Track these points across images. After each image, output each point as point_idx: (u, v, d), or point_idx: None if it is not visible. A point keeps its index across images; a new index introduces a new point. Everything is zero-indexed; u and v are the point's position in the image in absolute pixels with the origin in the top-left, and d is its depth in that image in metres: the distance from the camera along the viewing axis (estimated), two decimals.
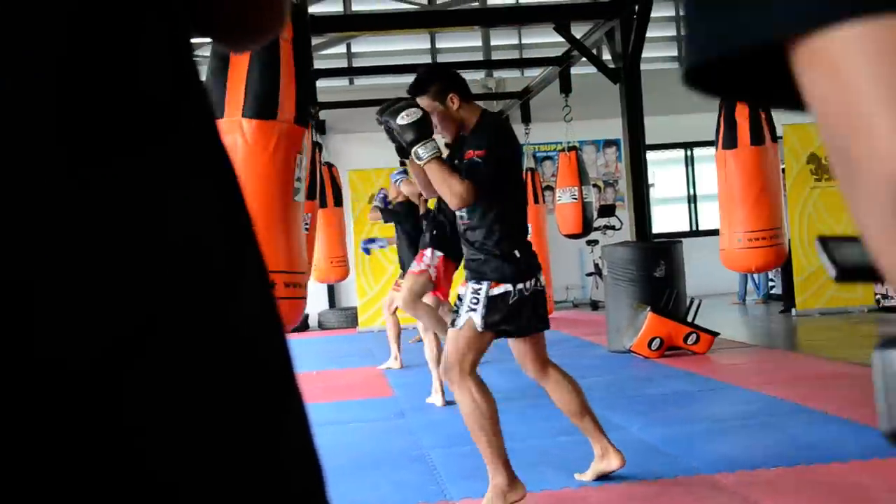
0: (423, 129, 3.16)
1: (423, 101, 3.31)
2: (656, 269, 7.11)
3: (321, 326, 12.18)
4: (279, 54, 3.34)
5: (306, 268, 3.55)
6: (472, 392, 3.20)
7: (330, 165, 10.41)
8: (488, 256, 3.25)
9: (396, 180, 6.54)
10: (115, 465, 0.39)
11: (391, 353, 7.57)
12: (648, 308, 6.91)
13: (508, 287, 3.21)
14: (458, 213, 3.36)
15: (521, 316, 3.25)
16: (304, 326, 11.85)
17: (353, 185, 11.36)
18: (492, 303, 3.21)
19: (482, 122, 3.33)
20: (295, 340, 8.72)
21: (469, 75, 14.24)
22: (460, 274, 4.89)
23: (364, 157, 11.94)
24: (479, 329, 3.21)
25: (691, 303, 7.10)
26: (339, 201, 10.38)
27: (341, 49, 13.14)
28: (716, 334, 7.04)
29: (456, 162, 3.35)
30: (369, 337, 10.35)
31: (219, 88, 3.33)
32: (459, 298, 3.29)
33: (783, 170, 8.99)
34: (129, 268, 0.41)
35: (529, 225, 3.67)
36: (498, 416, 3.24)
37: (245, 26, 0.59)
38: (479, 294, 3.22)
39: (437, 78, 3.37)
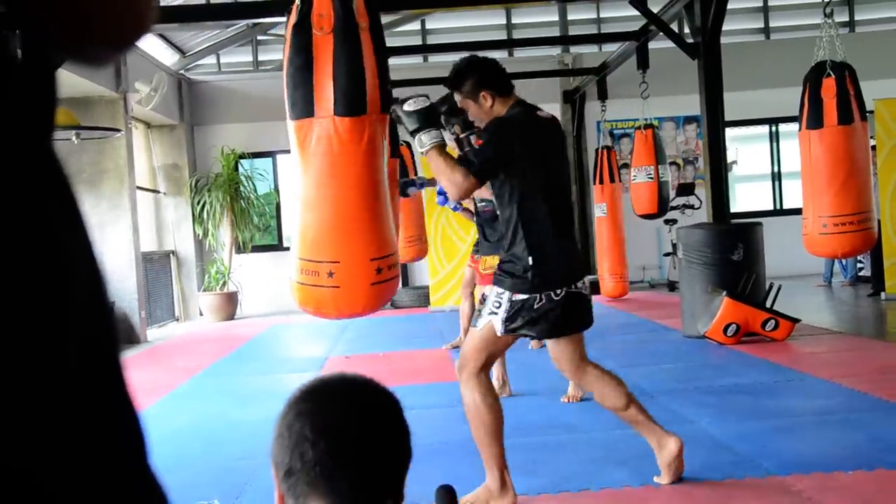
0: (427, 118, 3.12)
1: (457, 96, 3.31)
2: (734, 252, 6.83)
3: (394, 305, 12.18)
4: (361, 46, 3.29)
5: (397, 246, 3.64)
6: (475, 395, 3.19)
7: (409, 144, 10.27)
8: (510, 264, 3.17)
9: None
10: None
11: (461, 331, 7.45)
12: (724, 293, 6.65)
13: (534, 293, 3.11)
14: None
15: (547, 321, 3.15)
16: None
17: (424, 165, 11.26)
18: (514, 308, 3.13)
19: (502, 115, 3.23)
20: (370, 319, 8.72)
21: (545, 51, 13.98)
22: None
23: None
24: (499, 333, 3.15)
25: (770, 287, 6.81)
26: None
27: (415, 26, 13.03)
28: (796, 321, 6.74)
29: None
30: (440, 317, 10.29)
31: (305, 86, 3.33)
32: (483, 298, 3.24)
33: (873, 147, 8.54)
34: None
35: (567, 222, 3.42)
36: (501, 422, 3.21)
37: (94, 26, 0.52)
38: (501, 298, 3.15)
39: (471, 73, 3.27)
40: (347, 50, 3.27)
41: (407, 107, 3.12)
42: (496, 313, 3.14)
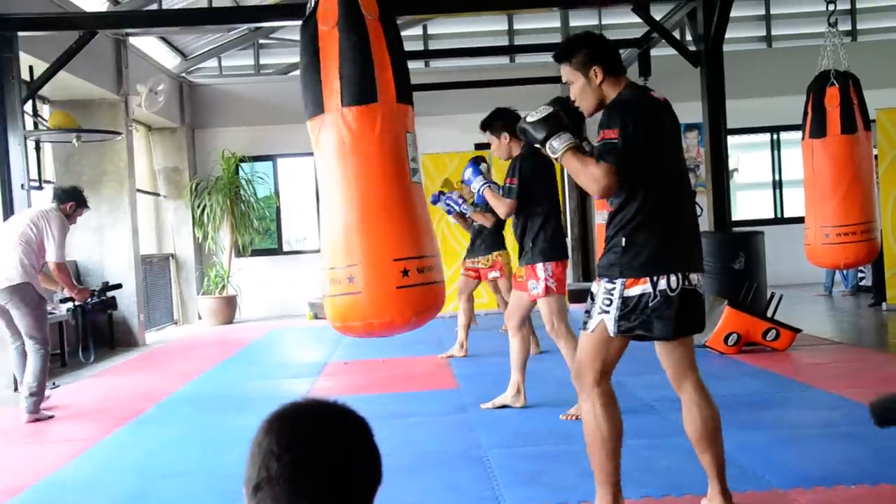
0: (552, 124, 2.95)
1: (564, 69, 3.06)
2: (735, 261, 6.81)
3: None
4: (367, 35, 3.22)
5: (436, 251, 3.37)
6: (595, 405, 2.90)
7: None
8: (619, 249, 2.88)
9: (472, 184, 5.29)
10: None
11: (457, 340, 7.47)
12: (725, 302, 6.63)
13: (647, 287, 2.83)
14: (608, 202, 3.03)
15: (662, 320, 2.84)
16: None
17: (426, 170, 11.24)
18: (626, 304, 2.85)
19: (617, 98, 2.96)
20: None
21: (547, 57, 13.92)
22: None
23: (438, 141, 11.81)
24: (612, 334, 2.88)
25: (772, 297, 6.78)
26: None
27: (417, 31, 13.01)
28: (797, 331, 6.71)
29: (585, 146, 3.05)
30: (440, 324, 10.24)
31: (314, 84, 3.26)
32: (592, 297, 2.95)
33: (875, 156, 8.52)
34: None
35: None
36: (620, 436, 2.91)
37: None
38: (612, 294, 2.87)
39: (584, 44, 3.03)
40: (352, 39, 3.18)
41: (530, 118, 2.99)
42: (608, 312, 2.87)
